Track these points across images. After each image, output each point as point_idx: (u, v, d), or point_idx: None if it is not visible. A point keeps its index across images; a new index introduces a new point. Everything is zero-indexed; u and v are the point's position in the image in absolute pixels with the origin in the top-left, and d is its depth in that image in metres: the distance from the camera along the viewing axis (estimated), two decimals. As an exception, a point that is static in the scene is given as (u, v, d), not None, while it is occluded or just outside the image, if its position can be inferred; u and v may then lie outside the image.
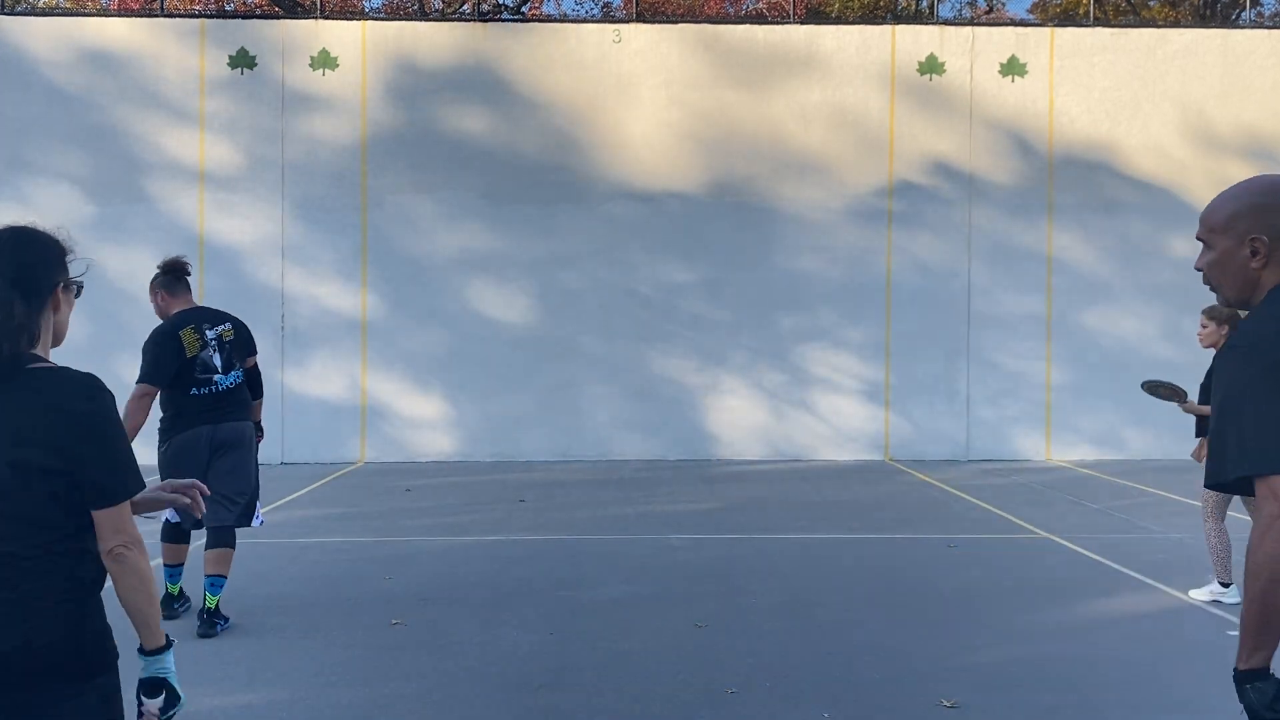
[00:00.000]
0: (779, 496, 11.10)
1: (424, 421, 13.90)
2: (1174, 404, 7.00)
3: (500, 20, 15.16)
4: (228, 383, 6.36)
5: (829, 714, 4.84)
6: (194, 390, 6.31)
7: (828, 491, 11.44)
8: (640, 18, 14.73)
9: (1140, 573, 7.58)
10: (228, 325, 6.46)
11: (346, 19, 14.58)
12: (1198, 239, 2.37)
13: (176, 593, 6.49)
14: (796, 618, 6.40)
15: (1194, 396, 7.04)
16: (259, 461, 6.65)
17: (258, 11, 22.07)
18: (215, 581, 6.10)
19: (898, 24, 14.56)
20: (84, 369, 2.55)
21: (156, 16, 14.11)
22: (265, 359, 13.55)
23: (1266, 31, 14.45)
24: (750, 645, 5.85)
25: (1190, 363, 13.65)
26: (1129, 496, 11.09)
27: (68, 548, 2.28)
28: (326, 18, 14.45)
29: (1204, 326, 6.82)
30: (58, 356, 2.61)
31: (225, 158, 13.85)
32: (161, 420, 6.55)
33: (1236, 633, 6.18)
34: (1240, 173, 14.22)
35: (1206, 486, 2.24)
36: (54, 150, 13.74)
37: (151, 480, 2.66)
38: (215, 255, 13.82)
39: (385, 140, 13.93)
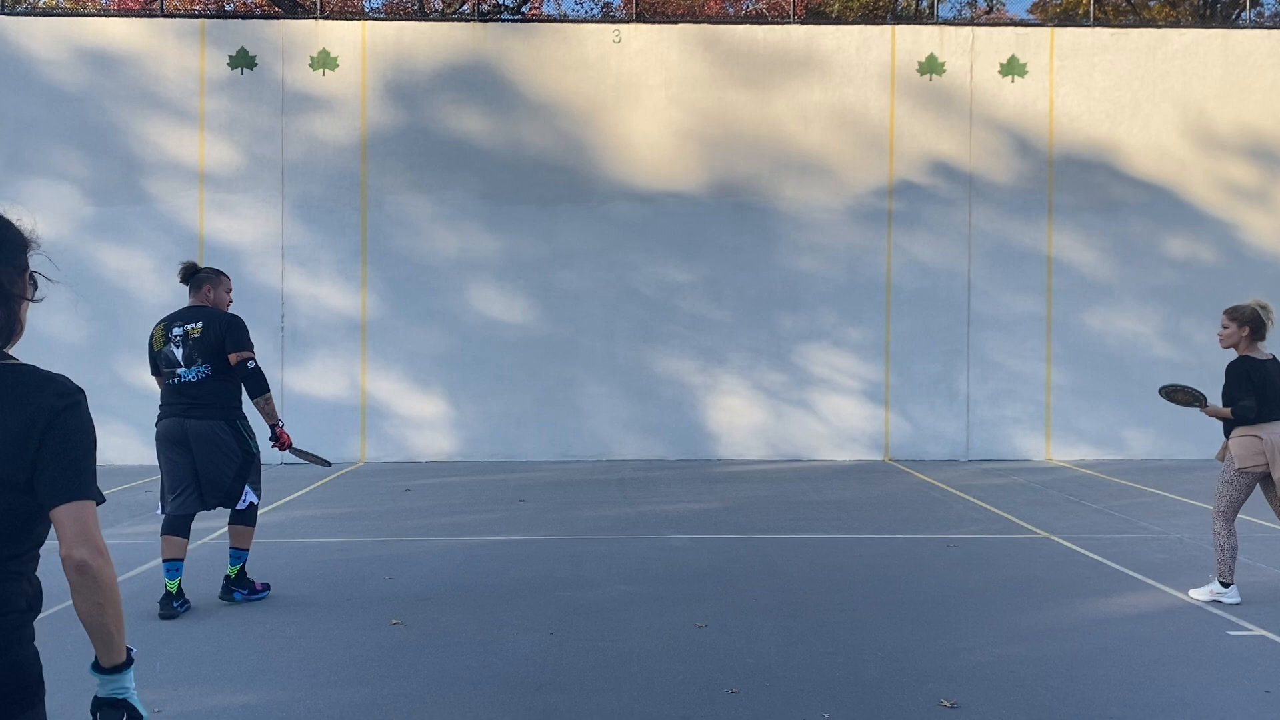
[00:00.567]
0: (779, 496, 11.10)
1: (424, 421, 13.91)
2: (1194, 409, 6.91)
3: (500, 20, 15.15)
4: (189, 376, 6.80)
5: (829, 714, 4.84)
6: (165, 381, 6.95)
7: (828, 491, 11.44)
8: (640, 18, 14.73)
9: (1140, 573, 7.57)
10: (198, 324, 6.80)
11: (346, 19, 14.57)
12: None
13: (175, 590, 6.55)
14: (796, 618, 6.40)
15: (1215, 400, 6.97)
16: (253, 451, 6.87)
17: (258, 11, 22.08)
18: (234, 554, 6.83)
19: (898, 24, 14.56)
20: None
21: (156, 16, 14.11)
22: (265, 359, 13.61)
23: (1266, 31, 14.44)
24: (750, 645, 5.85)
25: (1191, 363, 13.68)
26: (1129, 496, 11.09)
27: (15, 569, 2.09)
28: (326, 18, 14.45)
29: (1225, 327, 6.81)
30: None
31: (225, 158, 13.85)
32: None
33: (1237, 633, 6.20)
34: (1240, 173, 14.25)
35: None
36: (54, 150, 13.74)
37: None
38: (215, 255, 13.81)
39: (385, 140, 13.94)
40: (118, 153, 13.78)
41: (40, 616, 2.28)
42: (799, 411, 14.11)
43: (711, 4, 22.77)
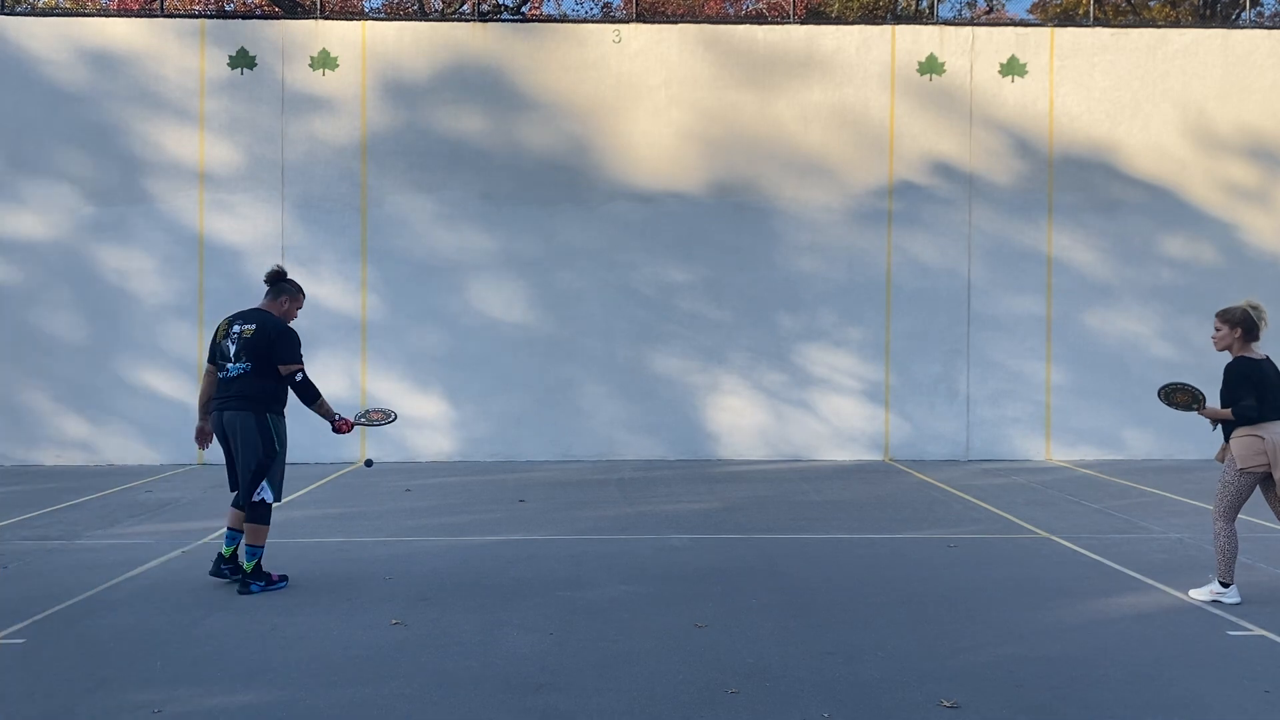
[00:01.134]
0: (779, 496, 11.10)
1: (424, 421, 13.91)
2: (1193, 411, 6.88)
3: (500, 20, 15.15)
4: (233, 371, 7.12)
5: (829, 714, 4.84)
6: (218, 373, 7.25)
7: (828, 491, 11.44)
8: (640, 18, 14.73)
9: (1140, 573, 7.57)
10: (252, 326, 7.17)
11: (346, 19, 14.57)
12: None
13: (228, 555, 7.25)
14: (796, 618, 6.40)
15: (1214, 401, 6.96)
16: (276, 450, 7.18)
17: (258, 11, 22.08)
18: (246, 550, 7.15)
19: (898, 24, 14.56)
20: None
21: (156, 16, 14.11)
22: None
23: (1266, 31, 14.45)
24: (750, 645, 5.85)
25: (1190, 363, 13.68)
26: (1129, 496, 11.09)
27: None
28: (326, 18, 14.45)
29: (1217, 329, 6.81)
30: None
31: (225, 158, 13.85)
32: None
33: (1237, 633, 6.22)
34: (1240, 173, 14.25)
35: None
36: (54, 150, 13.74)
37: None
38: (215, 255, 13.82)
39: (385, 140, 13.94)
40: (118, 153, 13.79)
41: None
42: (799, 411, 14.11)
43: (711, 4, 22.78)
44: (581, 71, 14.07)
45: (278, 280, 7.37)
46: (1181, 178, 14.26)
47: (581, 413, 14.02)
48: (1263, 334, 6.78)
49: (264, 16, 18.41)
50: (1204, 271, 14.22)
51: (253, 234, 13.83)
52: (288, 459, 7.46)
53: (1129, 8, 23.22)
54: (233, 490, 7.29)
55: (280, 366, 7.09)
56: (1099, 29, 14.39)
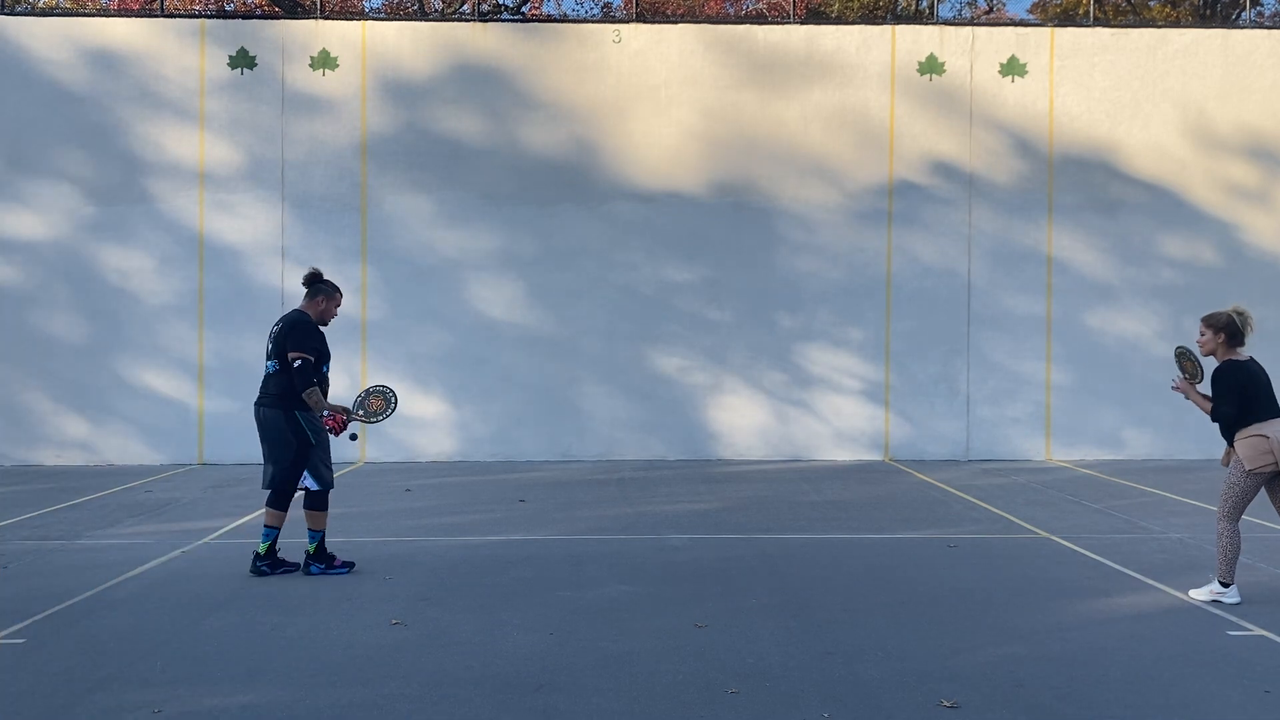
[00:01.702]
0: (779, 496, 11.10)
1: (424, 421, 13.91)
2: (1180, 382, 6.91)
3: (500, 20, 15.15)
4: (268, 369, 7.53)
5: (829, 714, 4.84)
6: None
7: (828, 491, 11.44)
8: (640, 18, 14.73)
9: (1140, 573, 7.57)
10: (279, 325, 7.57)
11: (346, 19, 14.57)
12: None
13: (263, 551, 7.51)
14: (796, 618, 6.40)
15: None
16: (311, 441, 7.48)
17: (258, 11, 22.08)
18: (266, 533, 7.49)
19: (898, 24, 14.56)
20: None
21: (156, 16, 14.11)
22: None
23: (1266, 31, 14.45)
24: (750, 645, 5.85)
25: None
26: (1129, 496, 11.09)
27: None
28: (326, 18, 14.45)
29: (1202, 334, 6.85)
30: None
31: (225, 157, 13.85)
32: None
33: (1237, 633, 6.22)
34: (1240, 173, 14.25)
35: None
36: (54, 150, 13.74)
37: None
38: (215, 255, 13.82)
39: (385, 140, 13.94)
40: (118, 153, 13.79)
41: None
42: (799, 411, 14.11)
43: (712, 4, 22.78)
44: (581, 72, 14.07)
45: (314, 282, 7.68)
46: (1181, 178, 14.26)
47: (581, 413, 14.02)
48: (1248, 339, 6.79)
49: (264, 16, 18.41)
50: (1204, 271, 14.22)
51: (253, 234, 13.83)
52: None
53: (1129, 8, 23.23)
54: (264, 488, 7.55)
55: (289, 353, 7.37)
56: (1099, 29, 14.39)
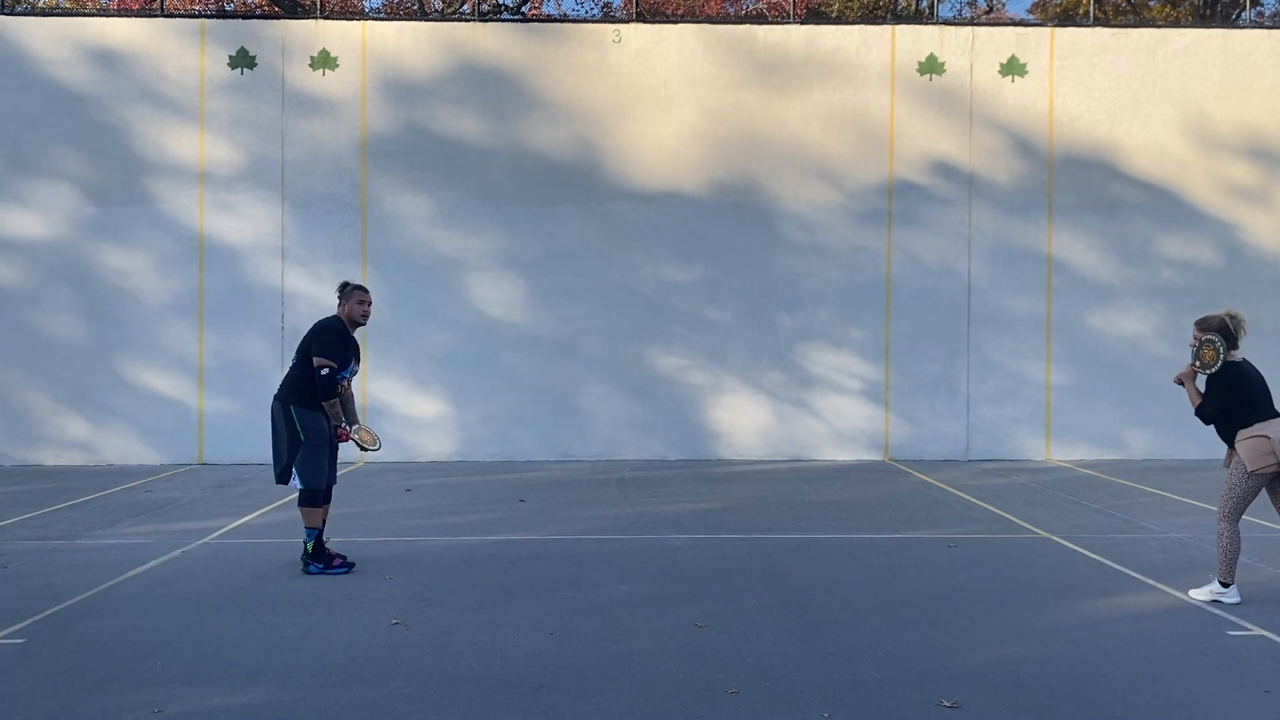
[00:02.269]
0: (779, 496, 11.10)
1: (424, 421, 13.91)
2: (1188, 369, 6.91)
3: (500, 20, 15.15)
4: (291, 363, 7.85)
5: (829, 714, 4.84)
6: None
7: (828, 491, 11.44)
8: (640, 18, 14.73)
9: (1140, 573, 7.58)
10: (313, 325, 7.83)
11: (346, 19, 14.57)
12: None
13: (310, 549, 7.63)
14: (796, 618, 6.40)
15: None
16: (301, 438, 7.60)
17: (258, 11, 22.08)
18: (305, 531, 7.70)
19: (898, 24, 14.56)
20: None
21: (156, 16, 14.11)
22: (265, 358, 13.66)
23: (1266, 31, 14.45)
24: (750, 645, 5.85)
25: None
26: (1129, 496, 11.09)
27: None
28: (326, 18, 14.45)
29: (1195, 338, 6.86)
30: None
31: (225, 157, 13.85)
32: None
33: (1237, 633, 6.22)
34: (1240, 173, 14.25)
35: None
36: (54, 150, 13.74)
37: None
38: (215, 255, 13.82)
39: (385, 140, 13.94)
40: (118, 152, 13.78)
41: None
42: (799, 411, 14.11)
43: (712, 4, 22.78)
44: (581, 72, 14.07)
45: (342, 288, 7.89)
46: (1181, 178, 14.26)
47: (581, 413, 14.02)
48: (1242, 341, 6.80)
49: (264, 16, 18.41)
50: (1204, 271, 14.22)
51: (253, 234, 13.83)
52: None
53: (1129, 8, 23.23)
54: (276, 483, 7.82)
55: (313, 358, 7.58)
56: (1099, 29, 14.39)
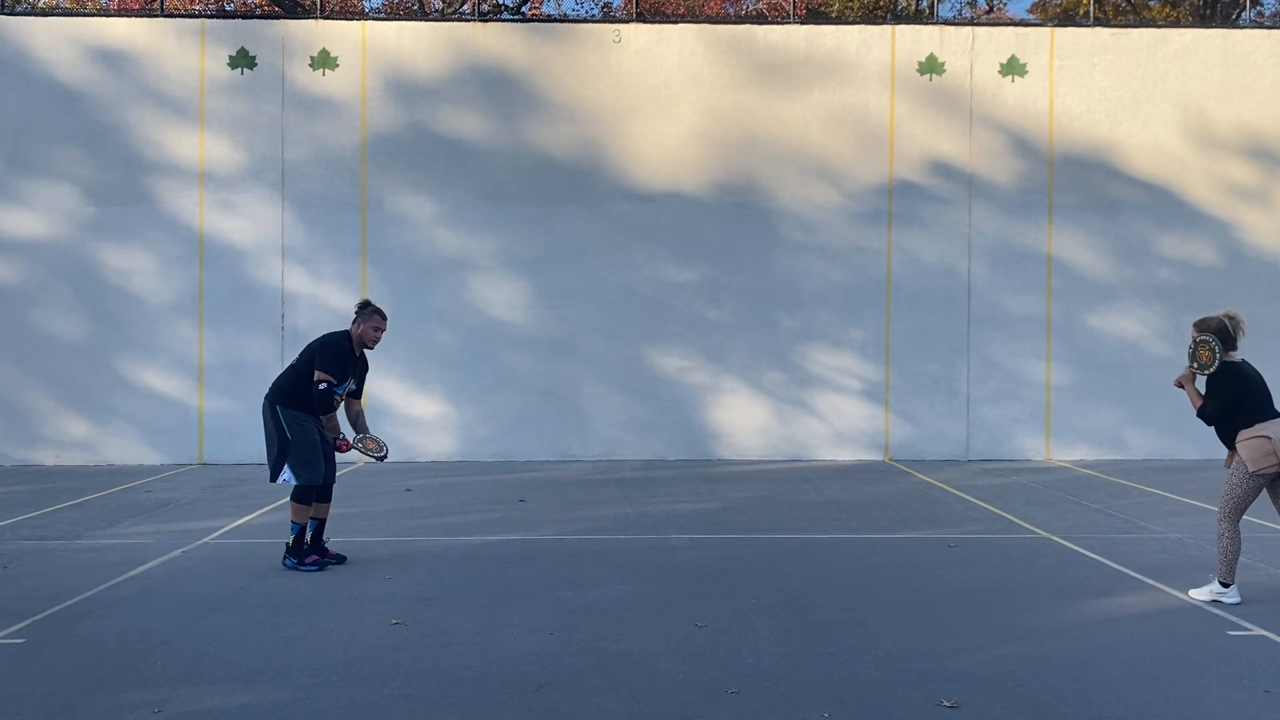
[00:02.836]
0: (779, 496, 11.10)
1: (424, 421, 13.91)
2: (1188, 369, 6.90)
3: (500, 20, 15.15)
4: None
5: (829, 714, 4.84)
6: None
7: (828, 491, 11.44)
8: (640, 18, 14.73)
9: (1140, 573, 7.58)
10: (320, 336, 8.15)
11: (346, 19, 14.57)
12: None
13: (290, 544, 7.81)
14: (796, 618, 6.41)
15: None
16: (288, 436, 7.75)
17: (258, 11, 22.09)
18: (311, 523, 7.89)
19: (898, 24, 14.56)
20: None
21: (156, 16, 14.11)
22: (266, 358, 13.64)
23: (1266, 31, 14.45)
24: (750, 645, 5.86)
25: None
26: (1129, 496, 11.09)
27: None
28: (326, 18, 14.45)
29: (1193, 339, 6.86)
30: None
31: (225, 157, 13.85)
32: None
33: (1237, 633, 6.22)
34: (1240, 173, 14.25)
35: None
36: (54, 150, 13.74)
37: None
38: (215, 255, 13.82)
39: (385, 140, 13.94)
40: (119, 152, 13.79)
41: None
42: (799, 411, 14.11)
43: (711, 4, 22.78)
44: (581, 72, 14.07)
45: (361, 307, 8.13)
46: (1181, 178, 14.26)
47: (581, 413, 14.02)
48: (1240, 342, 6.80)
49: (264, 16, 18.41)
50: (1204, 271, 14.22)
51: (253, 234, 13.83)
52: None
53: (1129, 8, 23.23)
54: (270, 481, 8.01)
55: (314, 372, 7.77)
56: (1099, 29, 14.39)
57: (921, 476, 12.58)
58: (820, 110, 14.12)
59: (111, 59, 13.83)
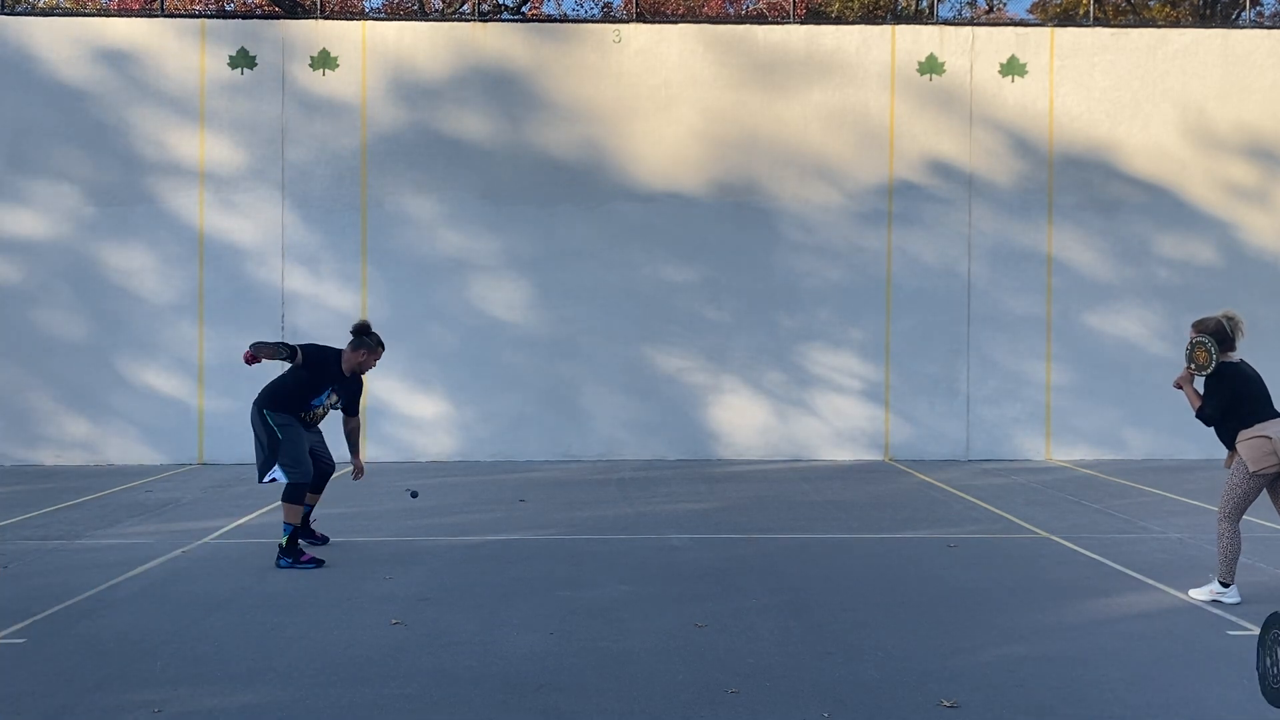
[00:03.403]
0: (779, 496, 11.10)
1: (424, 421, 13.91)
2: (1185, 373, 6.91)
3: (500, 20, 15.15)
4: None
5: (829, 714, 4.85)
6: None
7: (828, 491, 11.44)
8: (640, 18, 14.73)
9: (1140, 573, 7.58)
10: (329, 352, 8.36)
11: (346, 19, 14.57)
12: None
13: (284, 544, 7.93)
14: (796, 618, 6.41)
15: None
16: (278, 436, 8.02)
17: (258, 11, 22.09)
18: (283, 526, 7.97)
19: (898, 24, 14.56)
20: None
21: (156, 16, 14.11)
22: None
23: (1266, 31, 14.45)
24: (750, 645, 5.86)
25: (1190, 363, 13.66)
26: (1129, 496, 11.09)
27: None
28: (326, 18, 14.45)
29: (1191, 340, 6.87)
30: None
31: (226, 157, 13.85)
32: None
33: (1237, 633, 6.22)
34: (1240, 173, 14.25)
35: None
36: (55, 150, 13.74)
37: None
38: (215, 255, 13.82)
39: (385, 140, 13.94)
40: (119, 152, 13.79)
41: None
42: (799, 411, 14.11)
43: (711, 4, 22.78)
44: (582, 72, 14.07)
45: (361, 333, 8.27)
46: (1181, 178, 14.26)
47: (581, 413, 14.02)
48: (1239, 343, 6.80)
49: (264, 16, 18.42)
50: (1203, 271, 14.23)
51: (254, 233, 13.83)
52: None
53: (1129, 8, 23.23)
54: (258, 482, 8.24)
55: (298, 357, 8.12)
56: (1099, 29, 14.39)
57: (921, 476, 12.58)
58: (820, 110, 14.12)
59: (112, 59, 13.83)
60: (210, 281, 13.81)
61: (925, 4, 20.88)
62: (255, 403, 8.10)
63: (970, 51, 14.20)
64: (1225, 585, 6.74)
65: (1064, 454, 14.13)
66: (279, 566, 7.76)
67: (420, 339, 13.90)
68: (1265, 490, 6.87)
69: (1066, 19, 21.76)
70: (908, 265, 14.12)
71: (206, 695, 5.09)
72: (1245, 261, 14.25)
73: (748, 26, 14.57)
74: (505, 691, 5.14)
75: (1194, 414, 6.86)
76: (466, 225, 13.98)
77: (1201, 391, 6.87)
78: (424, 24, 14.42)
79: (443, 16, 21.28)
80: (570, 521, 9.68)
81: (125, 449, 13.72)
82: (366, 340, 8.24)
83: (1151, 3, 23.10)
